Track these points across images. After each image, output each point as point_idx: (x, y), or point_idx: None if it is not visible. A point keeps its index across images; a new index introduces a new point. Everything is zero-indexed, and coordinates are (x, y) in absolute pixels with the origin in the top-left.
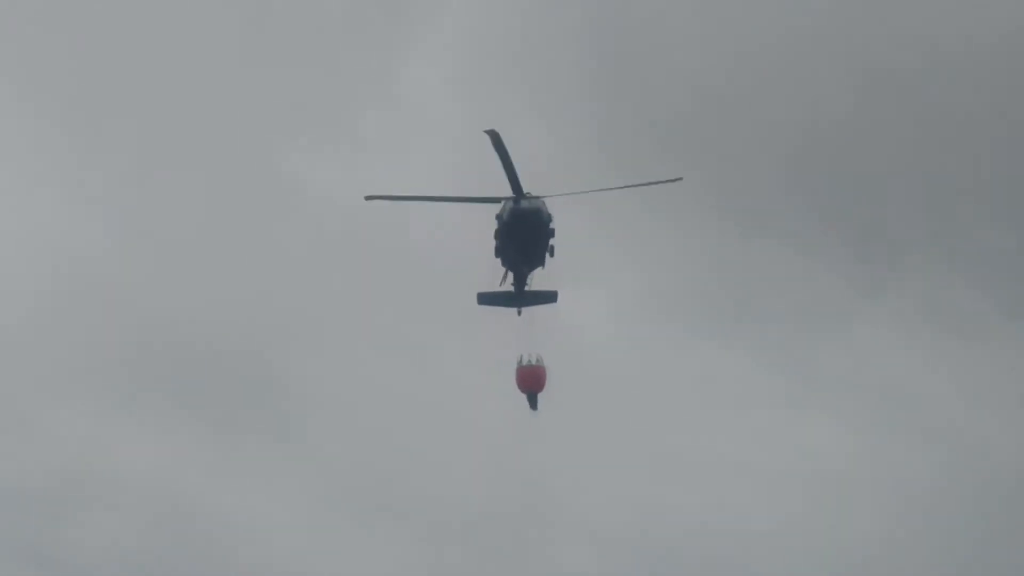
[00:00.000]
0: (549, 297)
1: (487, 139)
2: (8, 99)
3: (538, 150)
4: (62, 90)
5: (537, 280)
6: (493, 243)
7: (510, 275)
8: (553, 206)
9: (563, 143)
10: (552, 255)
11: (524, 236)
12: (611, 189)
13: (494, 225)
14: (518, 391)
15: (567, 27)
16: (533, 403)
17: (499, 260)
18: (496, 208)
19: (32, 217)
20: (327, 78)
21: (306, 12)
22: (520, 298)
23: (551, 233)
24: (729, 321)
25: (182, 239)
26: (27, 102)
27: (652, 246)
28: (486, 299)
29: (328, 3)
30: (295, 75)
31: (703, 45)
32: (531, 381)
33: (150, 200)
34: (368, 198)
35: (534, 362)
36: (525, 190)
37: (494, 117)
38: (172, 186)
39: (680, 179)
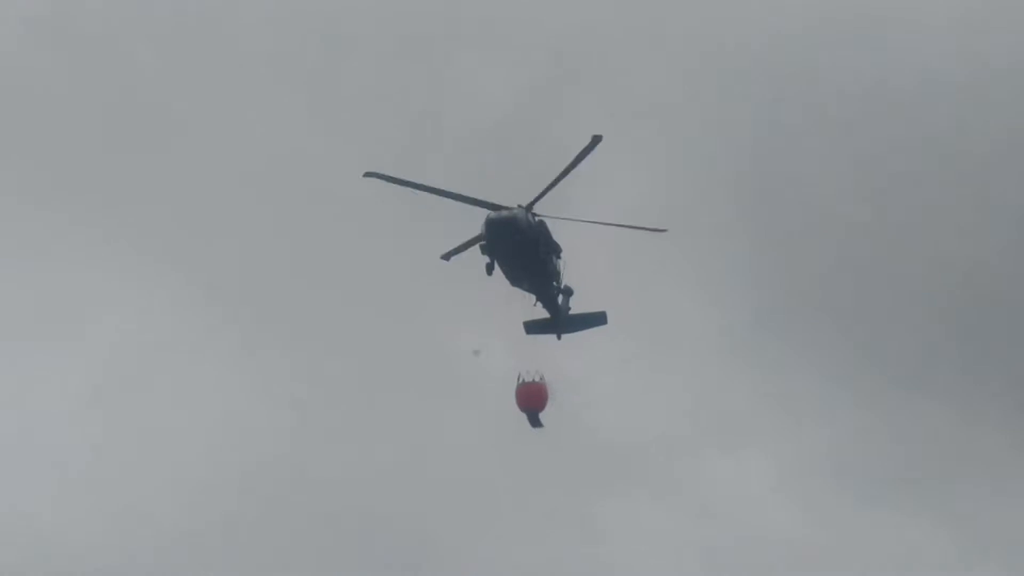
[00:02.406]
0: (598, 319)
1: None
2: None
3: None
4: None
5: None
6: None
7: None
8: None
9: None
10: (561, 271)
11: (505, 250)
12: (600, 223)
13: None
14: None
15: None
16: (535, 421)
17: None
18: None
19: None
20: None
21: None
22: (567, 322)
23: (549, 247)
24: (896, 482)
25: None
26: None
27: (813, 407)
28: (534, 328)
29: None
30: None
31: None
32: (532, 399)
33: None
34: (367, 175)
35: (537, 379)
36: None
37: None
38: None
39: (665, 230)
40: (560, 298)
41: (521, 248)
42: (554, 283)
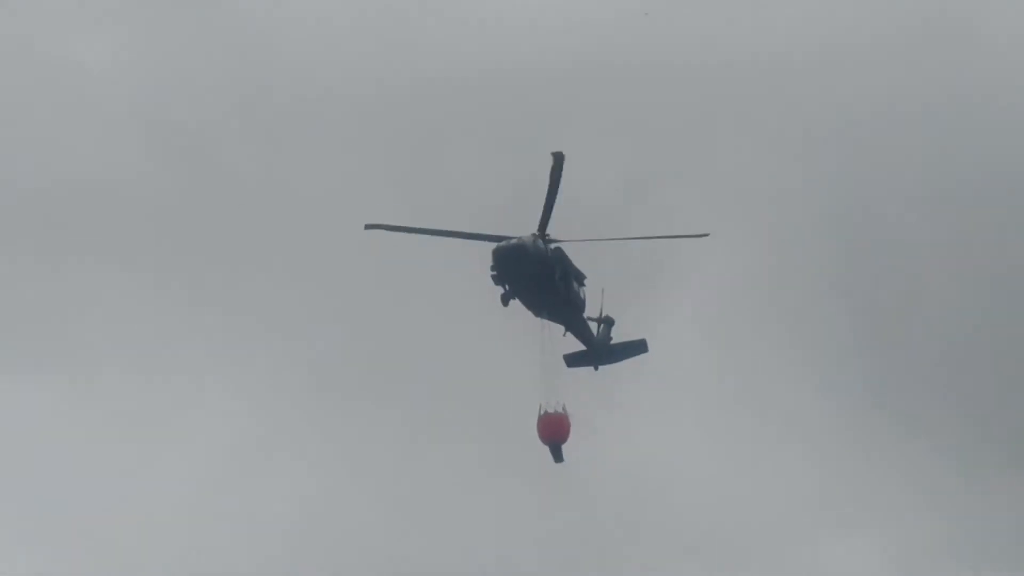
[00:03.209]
0: (638, 348)
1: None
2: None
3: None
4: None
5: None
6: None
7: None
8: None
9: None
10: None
11: (517, 280)
12: (636, 238)
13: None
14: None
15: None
16: (557, 455)
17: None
18: None
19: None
20: None
21: None
22: (606, 353)
23: (568, 275)
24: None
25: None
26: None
27: (927, 488)
28: (575, 360)
29: None
30: None
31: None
32: (554, 431)
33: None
34: (368, 227)
35: (560, 410)
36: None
37: None
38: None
39: (707, 235)
40: (600, 328)
41: (534, 277)
42: (582, 312)
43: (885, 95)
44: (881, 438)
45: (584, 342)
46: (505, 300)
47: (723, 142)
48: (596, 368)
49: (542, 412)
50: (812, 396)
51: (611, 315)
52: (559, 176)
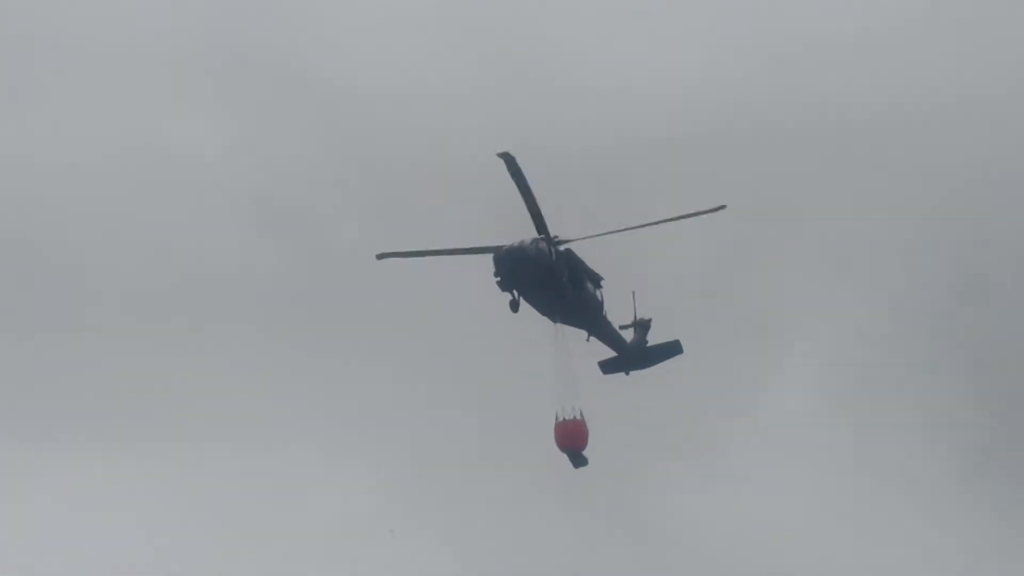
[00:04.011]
0: (673, 349)
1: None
2: None
3: None
4: None
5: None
6: None
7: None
8: None
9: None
10: (592, 300)
11: (521, 285)
12: (655, 223)
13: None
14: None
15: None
16: (577, 461)
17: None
18: None
19: None
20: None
21: None
22: (638, 357)
23: (579, 276)
24: None
25: None
26: None
27: None
28: (609, 367)
29: None
30: None
31: None
32: (571, 438)
33: None
34: (380, 256)
35: (577, 416)
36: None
37: None
38: None
39: (724, 207)
40: (635, 332)
41: (538, 281)
42: (600, 314)
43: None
44: (1002, 497)
45: (613, 346)
46: (513, 307)
47: (835, 196)
48: (627, 373)
49: (559, 420)
50: (930, 454)
51: (645, 318)
52: (520, 175)
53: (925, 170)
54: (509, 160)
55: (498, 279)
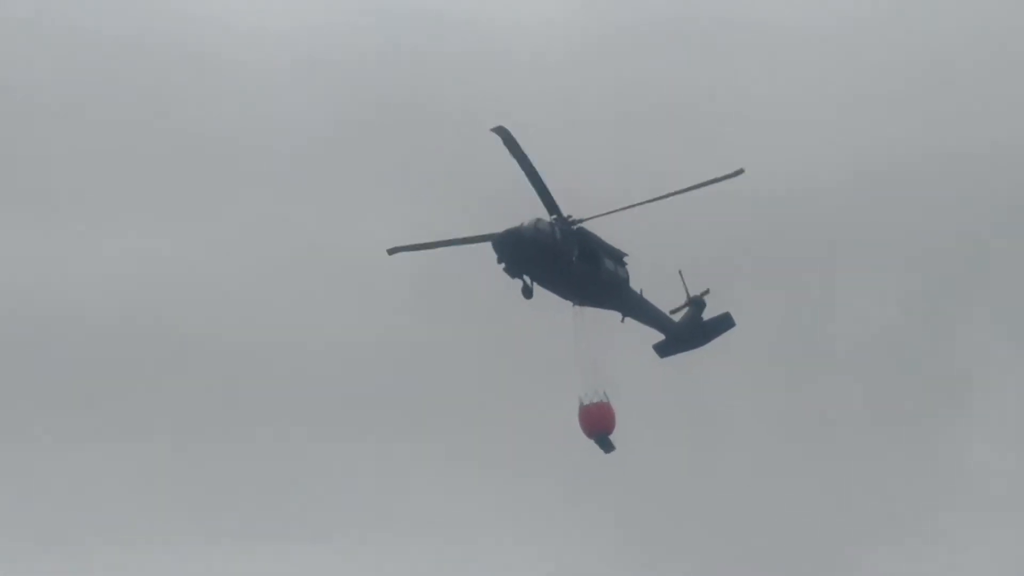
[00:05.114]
0: (725, 323)
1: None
2: None
3: None
4: None
5: None
6: None
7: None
8: None
9: None
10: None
11: (527, 269)
12: (675, 194)
13: None
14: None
15: None
16: (605, 446)
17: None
18: None
19: None
20: None
21: None
22: (689, 336)
23: (595, 254)
24: None
25: None
26: None
27: None
28: (665, 349)
29: None
30: None
31: None
32: (598, 422)
33: None
34: (391, 251)
35: (602, 399)
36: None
37: None
38: None
39: (742, 171)
40: (688, 311)
41: (546, 263)
42: (630, 291)
43: None
44: None
45: (655, 326)
46: (526, 293)
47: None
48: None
49: (583, 404)
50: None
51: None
52: (519, 149)
53: None
54: (503, 135)
55: (503, 265)
